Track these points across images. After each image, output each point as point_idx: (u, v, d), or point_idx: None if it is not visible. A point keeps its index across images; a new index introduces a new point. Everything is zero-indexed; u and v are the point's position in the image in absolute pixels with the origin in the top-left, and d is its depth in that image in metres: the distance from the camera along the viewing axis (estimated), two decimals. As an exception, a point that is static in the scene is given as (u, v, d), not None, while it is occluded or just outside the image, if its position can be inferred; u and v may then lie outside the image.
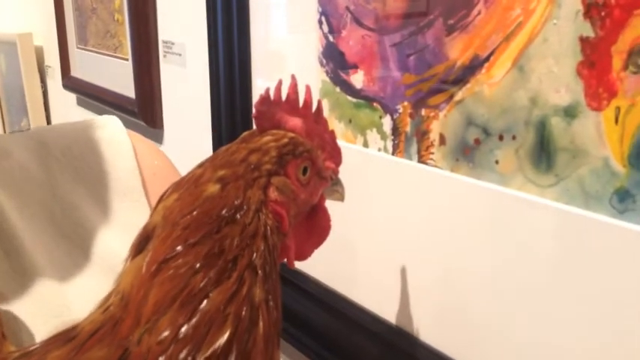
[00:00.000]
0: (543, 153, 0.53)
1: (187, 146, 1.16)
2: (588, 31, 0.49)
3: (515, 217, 0.56)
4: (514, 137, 0.55)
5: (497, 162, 0.57)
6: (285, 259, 0.48)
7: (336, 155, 0.51)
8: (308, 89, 0.50)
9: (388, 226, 0.69)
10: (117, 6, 1.31)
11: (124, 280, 0.39)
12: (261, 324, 0.38)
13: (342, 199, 0.53)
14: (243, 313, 0.37)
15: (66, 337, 0.38)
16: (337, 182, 0.52)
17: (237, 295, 0.37)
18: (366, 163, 0.71)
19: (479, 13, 0.57)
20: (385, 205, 0.70)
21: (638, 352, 0.48)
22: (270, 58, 0.87)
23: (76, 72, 1.58)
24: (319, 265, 0.79)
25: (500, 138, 0.57)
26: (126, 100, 1.27)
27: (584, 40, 0.49)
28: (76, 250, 0.56)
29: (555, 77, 0.51)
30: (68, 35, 1.59)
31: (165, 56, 1.18)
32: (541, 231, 0.54)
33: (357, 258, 0.74)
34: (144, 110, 1.22)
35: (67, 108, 1.75)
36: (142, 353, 0.35)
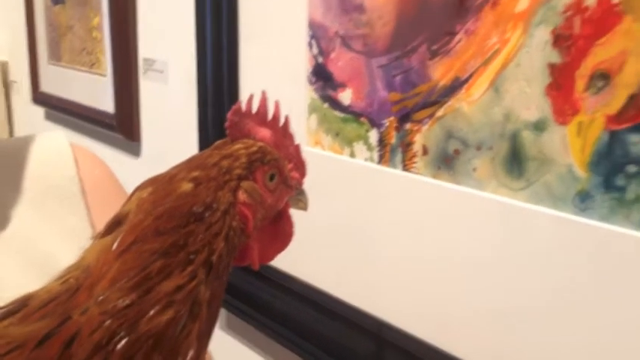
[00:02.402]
0: (515, 161, 0.62)
1: (166, 158, 1.21)
2: (556, 58, 0.58)
3: (491, 216, 0.64)
4: (490, 148, 0.64)
5: (474, 169, 0.66)
6: (249, 262, 0.51)
7: (301, 167, 0.54)
8: (277, 105, 0.54)
9: (375, 228, 0.77)
10: (95, 24, 1.36)
11: (89, 255, 0.40)
12: (199, 320, 0.40)
13: (305, 208, 0.55)
14: (187, 305, 0.39)
15: (15, 307, 0.39)
16: (302, 192, 0.55)
17: (186, 288, 0.39)
18: (353, 171, 0.79)
19: (460, 40, 0.66)
20: (371, 208, 0.77)
21: (597, 337, 0.57)
22: (258, 75, 0.94)
23: (47, 87, 1.61)
24: (306, 264, 0.86)
25: (478, 149, 0.65)
26: (103, 114, 1.32)
27: (552, 66, 0.58)
28: (13, 253, 0.59)
29: (527, 97, 0.61)
30: (39, 51, 1.62)
31: (145, 73, 1.24)
32: (513, 228, 0.63)
33: (345, 258, 0.82)
34: (122, 124, 1.26)
35: (33, 122, 1.77)
36: (81, 322, 0.36)
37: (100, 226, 0.63)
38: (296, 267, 0.88)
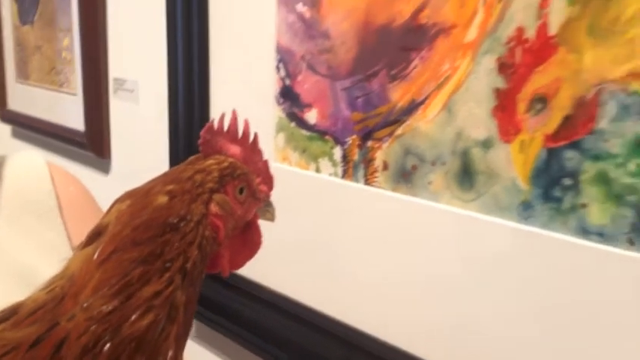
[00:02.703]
0: (466, 175, 0.69)
1: (136, 175, 1.25)
2: (500, 84, 0.65)
3: (445, 226, 0.71)
4: (444, 163, 0.71)
5: (430, 183, 0.73)
6: (220, 269, 0.53)
7: (268, 181, 0.57)
8: (246, 123, 0.56)
9: (338, 238, 0.83)
10: (65, 45, 1.40)
11: (72, 265, 0.43)
12: (176, 323, 0.42)
13: (272, 219, 0.58)
14: (165, 309, 0.41)
15: (5, 315, 0.41)
16: (269, 204, 0.58)
17: (164, 293, 0.42)
18: (318, 185, 0.85)
19: (416, 66, 0.73)
20: (336, 219, 0.83)
21: (541, 342, 0.64)
22: (229, 96, 0.99)
23: (14, 105, 1.63)
24: (274, 273, 0.91)
25: (433, 164, 0.72)
26: (73, 132, 1.35)
27: (497, 90, 0.65)
28: None
29: (475, 117, 0.68)
30: (7, 70, 1.64)
31: (115, 92, 1.28)
32: (465, 236, 0.69)
33: (311, 266, 0.87)
34: (92, 142, 1.30)
35: (-1, 140, 1.79)
36: (68, 328, 0.39)
37: (77, 239, 0.69)
38: (264, 276, 0.93)
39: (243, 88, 0.96)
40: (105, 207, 0.50)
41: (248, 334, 0.96)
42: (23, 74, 1.59)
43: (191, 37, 1.01)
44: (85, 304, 0.40)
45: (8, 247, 0.64)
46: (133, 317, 0.40)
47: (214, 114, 1.02)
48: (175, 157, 1.07)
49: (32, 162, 0.71)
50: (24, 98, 1.60)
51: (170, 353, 0.42)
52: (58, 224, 0.68)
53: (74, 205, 0.71)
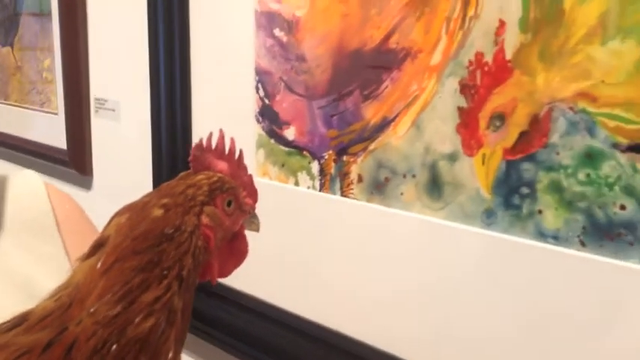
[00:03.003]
0: (435, 186, 0.75)
1: (118, 190, 1.29)
2: (463, 103, 0.72)
3: (416, 233, 0.77)
4: (414, 176, 0.77)
5: (402, 194, 0.79)
6: (209, 277, 0.56)
7: (253, 194, 0.61)
8: (232, 141, 0.60)
9: (317, 246, 0.89)
10: (46, 66, 1.44)
11: (77, 275, 0.46)
12: (175, 326, 0.46)
13: (257, 229, 0.61)
14: (165, 313, 0.45)
15: (16, 322, 0.44)
16: (254, 215, 0.61)
17: (163, 298, 0.45)
18: (297, 198, 0.90)
19: (387, 87, 0.79)
20: (314, 229, 0.89)
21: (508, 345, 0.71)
22: (211, 115, 1.05)
23: (-7, 125, 1.66)
24: (256, 280, 0.96)
25: (404, 176, 0.78)
26: (55, 150, 1.39)
27: (460, 109, 0.72)
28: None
29: (442, 133, 0.74)
30: (-14, 90, 1.68)
31: (97, 111, 1.32)
32: (434, 241, 0.76)
33: (291, 273, 0.93)
34: (74, 159, 1.34)
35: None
36: (77, 332, 0.42)
37: (73, 252, 0.74)
38: (247, 284, 0.98)
39: (224, 108, 1.02)
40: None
41: (229, 339, 1.01)
42: (3, 94, 1.62)
43: (173, 59, 1.07)
44: (92, 310, 0.43)
45: (11, 261, 0.69)
46: (136, 320, 0.43)
47: (196, 132, 1.07)
48: (159, 175, 1.12)
49: (31, 182, 0.76)
50: (4, 118, 1.63)
51: (170, 354, 0.46)
52: (56, 239, 0.73)
53: (70, 221, 0.76)
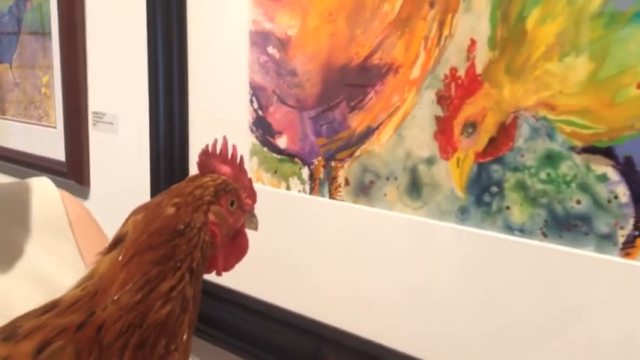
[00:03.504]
0: (415, 187, 0.84)
1: (114, 200, 1.36)
2: (440, 112, 0.81)
3: (399, 230, 0.86)
4: (396, 178, 0.86)
5: (385, 195, 0.87)
6: (215, 270, 0.61)
7: (252, 195, 0.66)
8: (234, 147, 0.65)
9: (308, 245, 0.97)
10: (44, 82, 1.51)
11: (100, 267, 0.51)
12: (188, 312, 0.51)
13: (256, 228, 0.66)
14: (179, 301, 0.50)
15: (48, 308, 0.49)
16: (253, 215, 0.67)
17: (177, 288, 0.50)
18: (289, 201, 0.98)
19: (371, 98, 0.88)
20: (305, 229, 0.97)
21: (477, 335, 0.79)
22: (207, 126, 1.13)
23: (-8, 138, 1.73)
24: (252, 279, 1.04)
25: (387, 179, 0.87)
26: (54, 162, 1.46)
27: (437, 118, 0.81)
28: (18, 275, 0.74)
29: (421, 140, 0.83)
30: (-16, 105, 1.74)
31: (95, 125, 1.39)
32: (415, 236, 0.84)
33: (284, 270, 1.00)
34: (73, 171, 1.41)
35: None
36: (104, 316, 0.47)
37: (85, 251, 0.82)
38: (241, 282, 1.06)
39: (220, 119, 1.10)
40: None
41: (222, 335, 1.08)
42: (0, 109, 1.69)
43: (171, 74, 1.15)
44: (115, 297, 0.48)
45: (34, 259, 0.76)
46: (155, 307, 0.48)
47: (194, 143, 1.15)
48: (157, 184, 1.20)
49: (47, 187, 0.83)
50: (2, 132, 1.69)
51: (184, 337, 0.51)
52: (70, 239, 0.80)
53: (81, 223, 0.83)
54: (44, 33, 1.50)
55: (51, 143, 1.48)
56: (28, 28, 1.56)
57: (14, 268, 0.74)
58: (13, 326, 0.48)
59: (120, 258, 0.51)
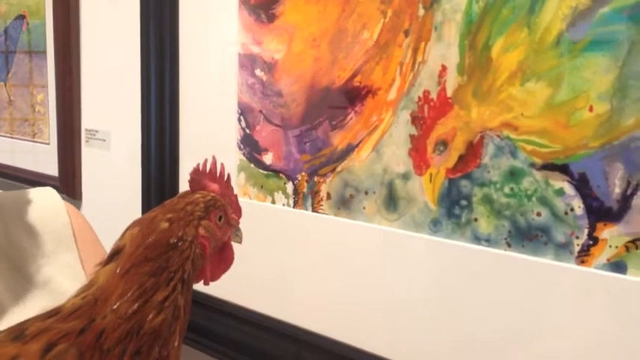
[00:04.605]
0: (391, 201, 0.90)
1: (105, 214, 1.41)
2: (414, 131, 0.87)
3: (376, 241, 0.92)
4: (374, 192, 0.92)
5: (364, 208, 0.94)
6: (203, 279, 0.65)
7: (238, 211, 0.71)
8: (222, 166, 0.70)
9: (291, 255, 1.03)
10: (39, 100, 1.57)
11: (100, 277, 0.54)
12: (179, 320, 0.54)
13: (240, 241, 0.71)
14: (172, 310, 0.53)
15: (51, 313, 0.52)
16: (238, 229, 0.71)
17: (171, 297, 0.54)
18: (274, 214, 1.04)
19: (351, 118, 0.94)
20: (288, 241, 1.03)
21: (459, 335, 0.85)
22: (197, 143, 1.19)
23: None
24: (237, 288, 1.09)
25: (366, 193, 0.93)
26: (46, 177, 1.51)
27: (412, 136, 0.88)
28: (28, 280, 0.79)
29: (397, 157, 0.89)
30: (-23, 122, 1.79)
31: (88, 141, 1.45)
32: (391, 247, 0.90)
33: (268, 279, 1.06)
34: (66, 186, 1.46)
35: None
36: (104, 323, 0.50)
37: (86, 258, 0.87)
38: (228, 291, 1.11)
39: (209, 137, 1.16)
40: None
41: (209, 342, 1.13)
42: (-6, 126, 1.74)
43: (163, 92, 1.21)
44: (114, 307, 0.52)
45: (40, 268, 0.81)
46: (150, 316, 0.52)
47: (184, 159, 1.21)
48: (147, 199, 1.25)
49: (53, 197, 0.88)
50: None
51: (175, 343, 0.55)
52: (73, 248, 0.85)
53: (82, 232, 0.88)
54: (39, 53, 1.56)
55: (44, 159, 1.54)
56: (23, 48, 1.62)
57: (23, 273, 0.79)
58: (21, 328, 0.52)
59: (118, 270, 0.54)
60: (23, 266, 0.79)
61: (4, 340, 0.51)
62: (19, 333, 0.51)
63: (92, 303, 0.53)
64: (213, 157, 0.70)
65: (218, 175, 0.70)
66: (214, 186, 0.69)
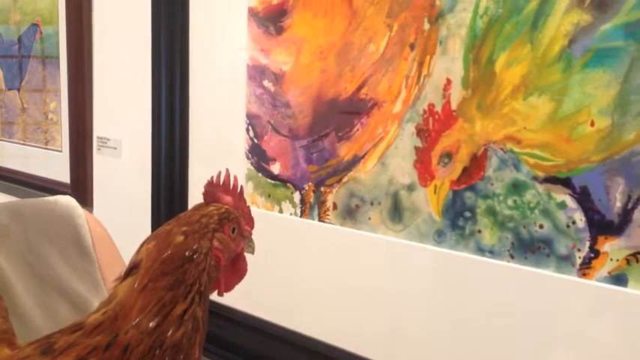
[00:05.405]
0: (396, 212, 0.92)
1: (116, 221, 1.43)
2: (419, 143, 0.89)
3: (381, 251, 0.93)
4: (379, 203, 0.94)
5: (369, 218, 0.95)
6: (217, 290, 0.66)
7: (251, 222, 0.71)
8: (235, 178, 0.70)
9: (299, 264, 1.04)
10: (52, 108, 1.59)
11: (119, 293, 0.55)
12: (199, 332, 0.55)
13: (253, 252, 0.71)
14: (191, 323, 0.54)
15: (74, 328, 0.54)
16: (251, 240, 0.71)
17: (189, 310, 0.54)
18: (281, 223, 1.06)
19: (357, 129, 0.96)
20: (295, 250, 1.04)
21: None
22: (206, 152, 1.21)
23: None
24: (247, 295, 1.11)
25: (372, 204, 0.95)
26: (59, 184, 1.54)
27: (417, 148, 0.89)
28: (48, 287, 0.80)
29: (402, 168, 0.91)
30: (-8, 129, 1.82)
31: (99, 149, 1.47)
32: (396, 257, 0.92)
33: (275, 287, 1.08)
34: (77, 192, 1.49)
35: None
36: (127, 338, 0.51)
37: (104, 267, 0.89)
38: (236, 299, 1.13)
39: (218, 146, 1.18)
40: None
41: (220, 351, 1.15)
42: (7, 133, 1.77)
43: (174, 102, 1.23)
44: (135, 322, 0.53)
45: (60, 276, 0.82)
46: (171, 330, 0.53)
47: (193, 167, 1.23)
48: (157, 206, 1.27)
49: (74, 205, 0.89)
50: (10, 154, 1.77)
51: (196, 355, 0.56)
52: (93, 257, 0.86)
53: (101, 241, 0.89)
54: (52, 61, 1.59)
55: (56, 166, 1.56)
56: (37, 56, 1.65)
57: (43, 280, 0.80)
58: (48, 342, 0.54)
59: (136, 285, 0.55)
60: (43, 273, 0.80)
61: (32, 355, 0.52)
62: (47, 347, 0.53)
63: (113, 318, 0.54)
64: (227, 170, 0.70)
65: (231, 187, 0.70)
66: (228, 198, 0.69)
